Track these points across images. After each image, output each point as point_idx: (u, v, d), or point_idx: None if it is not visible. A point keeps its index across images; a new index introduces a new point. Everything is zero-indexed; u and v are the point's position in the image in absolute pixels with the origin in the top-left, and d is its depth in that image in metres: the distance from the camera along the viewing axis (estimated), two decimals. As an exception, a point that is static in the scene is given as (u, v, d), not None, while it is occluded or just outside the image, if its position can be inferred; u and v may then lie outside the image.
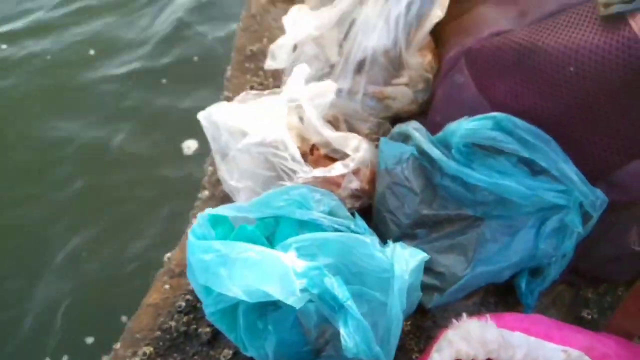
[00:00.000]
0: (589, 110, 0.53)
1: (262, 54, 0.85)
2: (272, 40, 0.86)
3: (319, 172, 0.56)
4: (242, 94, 0.62)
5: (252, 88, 0.82)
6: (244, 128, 0.54)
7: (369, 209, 0.67)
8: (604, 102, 0.52)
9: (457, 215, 0.61)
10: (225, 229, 0.58)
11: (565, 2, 0.57)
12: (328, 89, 0.59)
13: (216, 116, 0.55)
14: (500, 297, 0.69)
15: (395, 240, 0.64)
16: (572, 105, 0.54)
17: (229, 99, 0.82)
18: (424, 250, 0.60)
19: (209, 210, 0.56)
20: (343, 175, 0.59)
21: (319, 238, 0.53)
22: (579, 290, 0.70)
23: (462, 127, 0.57)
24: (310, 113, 0.56)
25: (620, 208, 0.59)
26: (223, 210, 0.57)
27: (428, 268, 0.62)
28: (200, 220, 0.55)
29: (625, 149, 0.54)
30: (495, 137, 0.56)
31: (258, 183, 0.59)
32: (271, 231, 0.60)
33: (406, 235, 0.64)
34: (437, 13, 0.62)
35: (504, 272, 0.62)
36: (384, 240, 0.62)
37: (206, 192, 0.76)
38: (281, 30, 0.86)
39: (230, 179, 0.60)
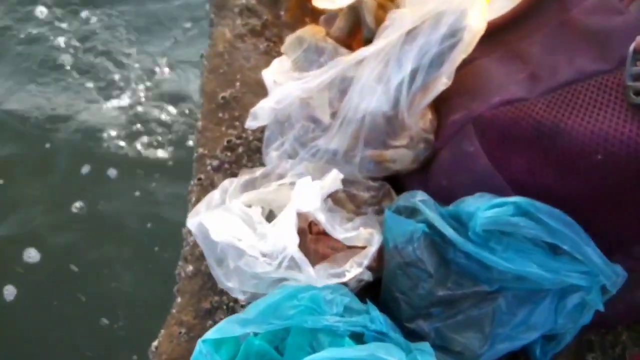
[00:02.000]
0: (614, 195, 0.50)
1: (235, 102, 0.75)
2: (244, 83, 0.77)
3: (333, 278, 0.50)
4: (234, 185, 0.53)
5: (229, 142, 0.73)
6: (247, 252, 0.47)
7: (374, 282, 0.62)
8: (631, 190, 0.48)
9: (473, 292, 0.58)
10: (229, 348, 0.51)
11: (581, 68, 0.52)
12: (334, 182, 0.52)
13: (209, 227, 0.47)
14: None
15: (408, 319, 0.60)
16: (597, 190, 0.50)
17: (204, 157, 0.72)
18: (440, 330, 0.57)
19: (212, 333, 0.48)
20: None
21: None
22: (582, 334, 0.70)
23: (481, 215, 0.52)
24: (320, 218, 0.49)
25: (632, 272, 0.57)
26: (227, 329, 0.50)
27: (445, 348, 0.59)
28: (202, 347, 0.48)
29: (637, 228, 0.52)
30: (517, 223, 0.52)
31: (261, 288, 0.52)
32: (280, 338, 0.54)
33: (420, 316, 0.60)
34: (444, 81, 0.56)
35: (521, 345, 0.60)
36: (395, 320, 0.58)
37: (190, 268, 0.68)
38: (253, 72, 0.77)
39: (228, 282, 0.53)
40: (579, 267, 0.54)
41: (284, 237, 0.46)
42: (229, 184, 0.56)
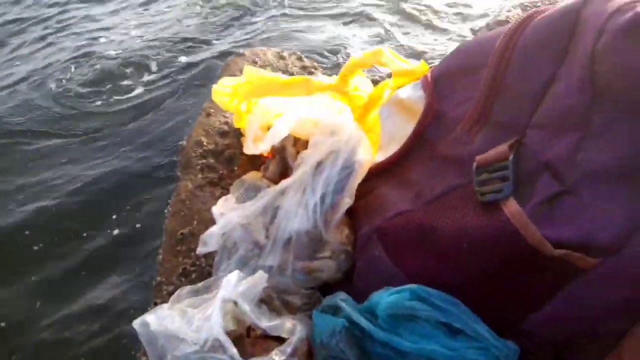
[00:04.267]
0: (484, 277, 0.60)
1: (192, 236, 0.87)
2: (201, 221, 0.89)
3: (259, 365, 0.56)
4: (177, 292, 0.62)
5: (184, 270, 0.82)
6: (180, 334, 0.54)
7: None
8: (495, 271, 0.59)
9: (393, 381, 0.63)
10: None
11: (448, 184, 0.67)
12: (260, 280, 0.61)
13: (152, 324, 0.55)
14: None
15: (339, 415, 0.63)
16: (470, 274, 0.60)
17: (161, 284, 0.81)
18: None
19: None
20: (281, 360, 0.59)
21: None
22: None
23: (384, 300, 0.61)
24: (244, 308, 0.58)
25: (535, 353, 0.64)
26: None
27: None
28: None
29: (521, 305, 0.60)
30: (414, 306, 0.60)
31: (198, 381, 0.56)
32: None
33: (349, 409, 0.63)
34: (347, 201, 0.69)
35: None
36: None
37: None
38: (209, 212, 0.90)
39: (169, 380, 0.57)
40: (475, 343, 0.60)
41: (210, 322, 0.54)
42: (174, 296, 0.64)
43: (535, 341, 0.63)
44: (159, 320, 0.55)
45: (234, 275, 0.60)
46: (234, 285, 0.58)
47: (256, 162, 1.00)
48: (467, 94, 0.71)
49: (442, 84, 0.76)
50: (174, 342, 0.54)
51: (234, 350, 0.53)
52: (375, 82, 0.90)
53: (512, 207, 0.56)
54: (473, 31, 1.42)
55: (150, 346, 0.56)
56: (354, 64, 0.78)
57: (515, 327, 0.62)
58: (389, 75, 1.07)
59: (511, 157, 0.59)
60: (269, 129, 0.76)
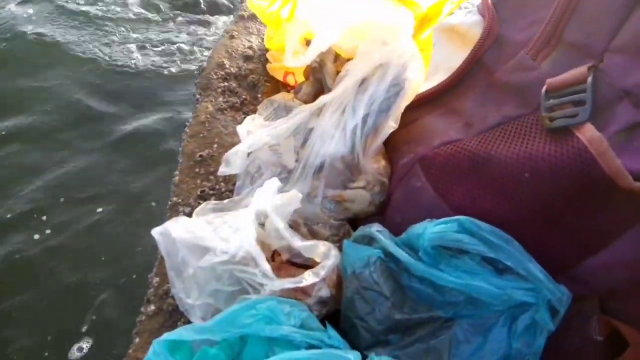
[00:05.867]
0: (546, 212, 0.53)
1: (211, 159, 0.80)
2: (221, 146, 0.82)
3: (289, 283, 0.50)
4: (202, 205, 0.56)
5: (202, 192, 0.76)
6: (207, 244, 0.47)
7: (335, 314, 0.61)
8: (559, 205, 0.52)
9: (429, 317, 0.57)
10: (184, 355, 0.48)
11: (506, 114, 0.60)
12: (293, 199, 0.54)
13: (173, 232, 0.48)
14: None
15: (368, 347, 0.58)
16: (529, 208, 0.54)
17: (177, 205, 0.75)
18: (399, 358, 0.55)
19: (167, 335, 0.47)
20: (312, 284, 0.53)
21: (295, 359, 0.46)
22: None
23: (429, 231, 0.55)
24: (277, 223, 0.51)
25: (581, 300, 0.58)
26: (182, 333, 0.48)
27: (403, 378, 0.56)
28: (156, 347, 0.45)
29: (581, 247, 0.54)
30: (461, 239, 0.54)
31: (220, 300, 0.51)
32: (237, 351, 0.51)
33: (379, 342, 0.58)
34: (392, 124, 0.62)
35: (479, 377, 0.57)
36: (354, 348, 0.56)
37: (152, 307, 0.65)
38: (230, 137, 0.83)
39: (187, 297, 0.52)
40: (524, 284, 0.55)
41: (241, 233, 0.47)
42: (198, 209, 0.58)
43: (587, 288, 0.58)
44: (182, 227, 0.49)
45: (271, 184, 0.53)
46: (270, 196, 0.51)
47: (282, 90, 0.93)
48: (533, 16, 0.63)
49: (505, 5, 0.68)
50: (198, 252, 0.48)
51: (266, 266, 0.47)
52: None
53: (589, 132, 0.49)
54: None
55: (170, 257, 0.50)
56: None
57: (570, 270, 0.56)
58: None
59: (589, 80, 0.52)
60: (307, 43, 0.68)
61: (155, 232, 0.50)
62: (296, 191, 0.57)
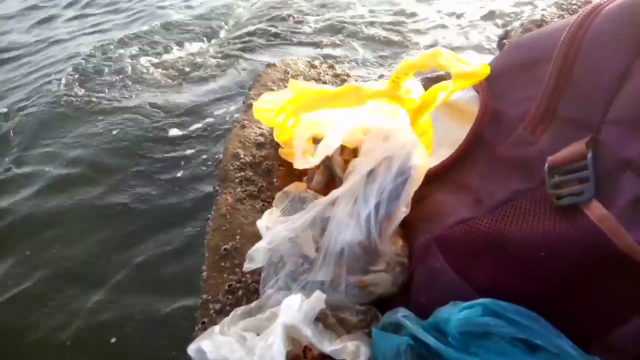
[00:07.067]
0: (567, 287, 0.54)
1: (235, 251, 0.82)
2: (244, 237, 0.85)
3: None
4: (231, 315, 0.58)
5: (230, 286, 0.78)
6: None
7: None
8: (579, 280, 0.53)
9: (465, 403, 0.57)
10: None
11: (513, 189, 0.61)
12: (318, 301, 0.56)
13: (208, 352, 0.50)
14: None
15: None
16: (550, 284, 0.54)
17: (207, 302, 0.77)
18: None
19: None
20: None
21: None
22: None
23: (455, 318, 0.55)
24: (306, 332, 0.53)
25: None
26: None
27: None
28: None
29: (609, 317, 0.54)
30: (487, 322, 0.54)
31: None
32: None
33: None
34: (403, 210, 0.64)
35: None
36: None
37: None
38: (251, 226, 0.86)
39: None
40: (557, 361, 0.54)
41: (271, 348, 0.49)
42: (228, 318, 0.60)
43: (622, 356, 0.57)
44: (216, 347, 0.51)
45: (296, 300, 0.55)
46: (296, 310, 0.53)
47: (295, 172, 0.96)
48: (527, 91, 0.66)
49: (497, 82, 0.71)
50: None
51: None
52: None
53: (597, 210, 0.50)
54: (508, 32, 1.37)
55: (207, 373, 0.52)
56: (409, 66, 0.73)
57: (600, 341, 0.56)
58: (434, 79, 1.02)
59: (589, 155, 0.53)
60: (314, 141, 0.72)
61: (192, 350, 0.52)
62: (319, 292, 0.58)
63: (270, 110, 0.84)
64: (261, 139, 1.02)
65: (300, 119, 0.68)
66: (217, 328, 0.61)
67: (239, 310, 0.60)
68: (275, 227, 0.71)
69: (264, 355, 0.48)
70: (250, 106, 1.09)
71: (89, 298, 0.86)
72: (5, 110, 1.53)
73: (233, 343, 0.51)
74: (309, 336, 0.53)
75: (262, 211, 0.90)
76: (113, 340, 0.77)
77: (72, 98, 1.48)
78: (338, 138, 0.62)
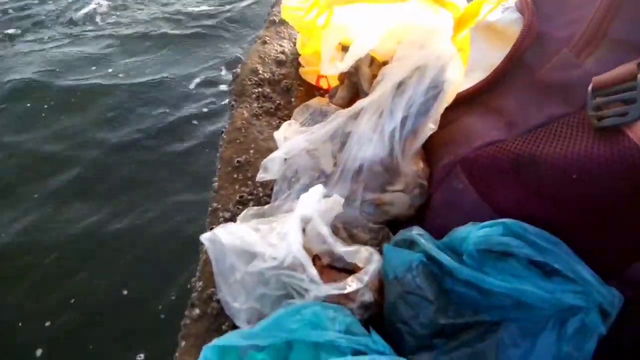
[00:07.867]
0: (595, 214, 0.52)
1: (248, 165, 0.81)
2: (258, 151, 0.83)
3: (334, 289, 0.50)
4: (244, 212, 0.57)
5: (241, 197, 0.77)
6: (255, 250, 0.48)
7: (377, 317, 0.60)
8: (610, 206, 0.50)
9: (475, 321, 0.56)
10: (233, 359, 0.49)
11: (550, 114, 0.58)
12: (336, 203, 0.54)
13: (222, 238, 0.49)
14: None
15: (412, 351, 0.58)
16: (577, 210, 0.52)
17: (217, 210, 0.76)
18: (444, 363, 0.55)
19: (217, 341, 0.47)
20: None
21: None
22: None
23: (473, 235, 0.54)
24: (321, 229, 0.51)
25: (633, 303, 0.56)
26: (231, 339, 0.48)
27: (450, 383, 0.56)
28: (206, 353, 0.46)
29: (631, 248, 0.52)
30: (507, 242, 0.53)
31: (266, 304, 0.51)
32: (284, 356, 0.52)
33: (423, 347, 0.57)
34: (431, 126, 0.61)
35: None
36: (397, 352, 0.56)
37: (196, 311, 0.66)
38: (266, 142, 0.84)
39: (234, 302, 0.52)
40: (573, 286, 0.53)
41: (288, 239, 0.48)
42: (241, 216, 0.58)
43: (636, 291, 0.55)
44: (230, 234, 0.49)
45: (316, 191, 0.53)
46: (316, 202, 0.51)
47: (315, 93, 0.93)
48: (577, 13, 0.61)
49: (543, 3, 0.66)
50: (246, 257, 0.48)
51: (313, 271, 0.48)
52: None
53: (640, 131, 0.47)
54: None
55: (218, 262, 0.51)
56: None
57: (620, 273, 0.54)
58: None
59: (639, 76, 0.50)
60: (343, 49, 0.68)
61: (205, 238, 0.51)
62: (338, 196, 0.56)
63: (300, 8, 0.78)
64: (282, 56, 0.98)
65: (331, 21, 0.64)
66: (231, 223, 0.60)
67: (251, 210, 0.58)
68: (293, 137, 0.69)
69: (278, 244, 0.47)
70: (272, 22, 1.04)
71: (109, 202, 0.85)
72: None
73: (248, 229, 0.50)
74: (324, 233, 0.51)
75: (278, 128, 0.87)
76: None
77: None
78: (370, 41, 0.58)
